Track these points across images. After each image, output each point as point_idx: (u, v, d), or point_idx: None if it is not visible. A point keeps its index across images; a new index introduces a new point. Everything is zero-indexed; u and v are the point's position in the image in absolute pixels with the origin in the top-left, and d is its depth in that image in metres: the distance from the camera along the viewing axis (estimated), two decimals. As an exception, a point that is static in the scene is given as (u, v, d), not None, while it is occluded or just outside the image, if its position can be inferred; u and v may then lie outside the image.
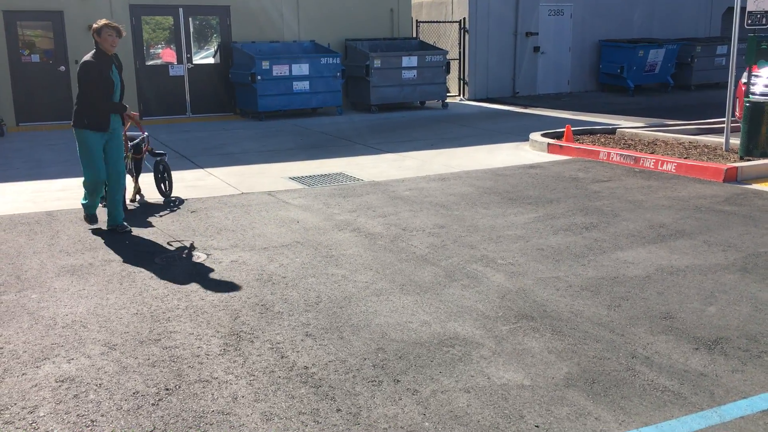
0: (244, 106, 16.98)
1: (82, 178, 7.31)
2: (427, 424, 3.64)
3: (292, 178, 9.97)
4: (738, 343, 4.45)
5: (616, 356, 4.33)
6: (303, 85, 16.81)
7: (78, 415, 3.75)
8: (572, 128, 12.58)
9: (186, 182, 9.78)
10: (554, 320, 4.88)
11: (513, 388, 3.97)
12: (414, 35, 19.98)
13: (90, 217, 7.48)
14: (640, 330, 4.69)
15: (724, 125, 10.55)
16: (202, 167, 10.89)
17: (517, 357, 4.34)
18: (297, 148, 12.52)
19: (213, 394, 3.95)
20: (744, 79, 11.26)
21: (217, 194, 9.00)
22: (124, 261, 6.31)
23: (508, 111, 17.69)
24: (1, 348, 4.55)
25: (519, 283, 5.59)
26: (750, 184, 8.82)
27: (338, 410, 3.78)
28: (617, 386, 3.98)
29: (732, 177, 8.95)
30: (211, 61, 17.41)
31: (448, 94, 18.96)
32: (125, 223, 7.46)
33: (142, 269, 6.08)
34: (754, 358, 4.25)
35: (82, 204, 7.47)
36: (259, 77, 16.05)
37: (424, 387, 4.01)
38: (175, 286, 5.63)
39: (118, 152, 7.30)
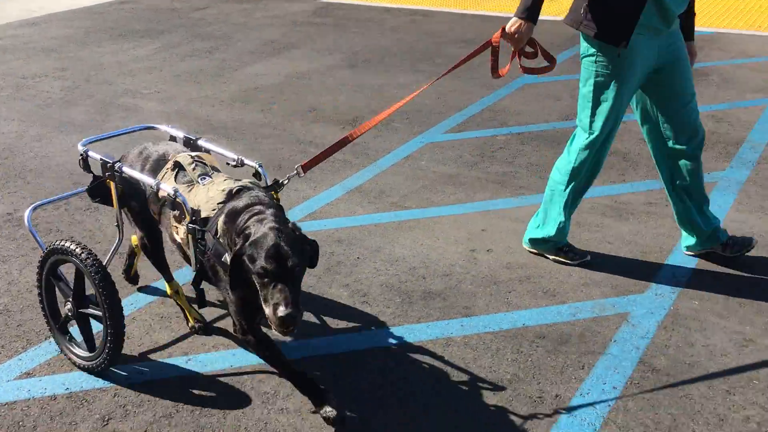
0: None
1: None
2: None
3: None
4: (370, 118, 5.63)
5: (287, 145, 5.16)
6: None
7: None
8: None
9: None
10: (223, 129, 5.46)
11: (219, 185, 4.55)
12: None
13: (562, 248, 3.66)
14: (296, 123, 5.57)
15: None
16: None
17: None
18: None
19: None
20: None
21: None
22: None
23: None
24: None
25: (175, 107, 5.94)
26: (326, -1, 10.14)
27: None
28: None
29: (311, -6, 10.12)
30: None
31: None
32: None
33: None
34: (385, 125, 5.49)
35: (549, 247, 3.66)
36: None
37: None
38: None
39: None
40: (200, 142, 3.08)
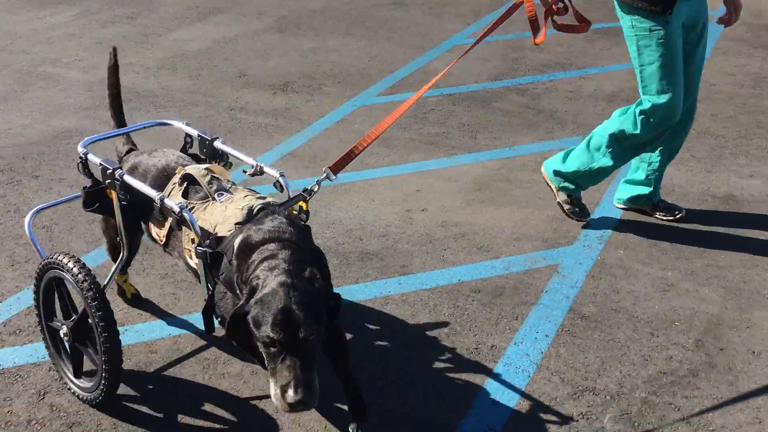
0: None
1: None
2: (91, 199, 3.94)
3: None
4: (301, 82, 5.59)
5: (218, 112, 5.08)
6: None
7: None
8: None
9: None
10: (151, 97, 5.32)
11: (148, 154, 4.45)
12: None
13: (573, 199, 3.64)
14: (226, 89, 5.47)
15: None
16: None
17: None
18: None
19: None
20: None
21: None
22: None
23: None
24: None
25: (98, 75, 5.74)
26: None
27: (-5, 213, 3.79)
28: (231, 131, 4.77)
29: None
30: None
31: None
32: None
33: None
34: (316, 90, 5.45)
35: (565, 187, 3.60)
36: None
37: (67, 173, 4.21)
38: None
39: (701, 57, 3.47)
40: (217, 144, 2.69)
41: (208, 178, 2.41)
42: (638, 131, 3.30)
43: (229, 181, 2.49)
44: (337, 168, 2.49)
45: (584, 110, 5.01)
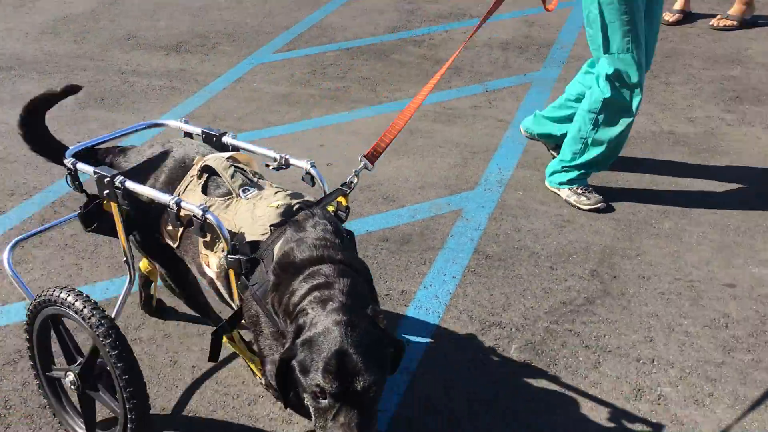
0: None
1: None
2: (-23, 173, 3.74)
3: None
4: (195, 42, 5.43)
5: (108, 76, 4.87)
6: None
7: None
8: None
9: None
10: (35, 64, 5.04)
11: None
12: None
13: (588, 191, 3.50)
14: (115, 52, 5.25)
15: None
16: None
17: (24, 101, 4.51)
18: None
19: None
20: None
21: None
22: None
23: None
24: None
25: (-27, 42, 5.40)
26: None
27: None
28: (124, 96, 4.60)
29: None
30: None
31: None
32: None
33: None
34: (211, 49, 5.31)
35: (578, 173, 3.47)
36: None
37: (-53, 149, 3.97)
38: None
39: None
40: (225, 139, 2.34)
41: (231, 170, 2.07)
42: (609, 95, 3.25)
43: (256, 173, 2.17)
44: (373, 156, 2.24)
45: (479, 59, 5.12)
